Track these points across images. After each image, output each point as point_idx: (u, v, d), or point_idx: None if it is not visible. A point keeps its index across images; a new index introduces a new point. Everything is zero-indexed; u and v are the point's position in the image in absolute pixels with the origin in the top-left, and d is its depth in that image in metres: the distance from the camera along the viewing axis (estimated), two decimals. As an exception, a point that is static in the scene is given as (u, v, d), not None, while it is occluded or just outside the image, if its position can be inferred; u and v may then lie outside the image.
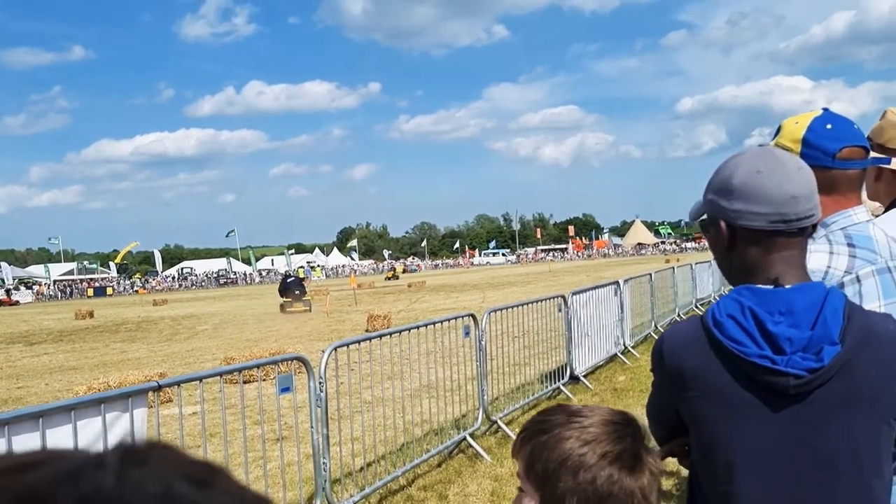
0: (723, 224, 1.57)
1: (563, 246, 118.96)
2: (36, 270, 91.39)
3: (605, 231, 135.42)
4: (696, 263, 18.12)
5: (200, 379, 4.74)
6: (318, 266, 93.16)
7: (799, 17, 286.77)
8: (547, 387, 9.14)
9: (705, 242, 1.74)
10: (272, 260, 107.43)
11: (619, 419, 1.27)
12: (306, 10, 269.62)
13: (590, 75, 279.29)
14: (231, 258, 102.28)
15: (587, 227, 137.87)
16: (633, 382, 9.63)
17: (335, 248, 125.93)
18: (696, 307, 17.25)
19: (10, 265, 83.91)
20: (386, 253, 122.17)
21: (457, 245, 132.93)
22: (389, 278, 62.55)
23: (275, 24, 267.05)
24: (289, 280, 31.99)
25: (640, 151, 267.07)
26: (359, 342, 6.25)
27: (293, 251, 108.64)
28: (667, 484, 5.38)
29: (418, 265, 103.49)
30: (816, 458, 1.46)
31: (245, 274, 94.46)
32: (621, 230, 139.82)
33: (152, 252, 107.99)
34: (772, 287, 1.49)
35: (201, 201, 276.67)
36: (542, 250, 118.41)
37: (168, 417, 7.80)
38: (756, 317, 1.45)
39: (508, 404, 8.22)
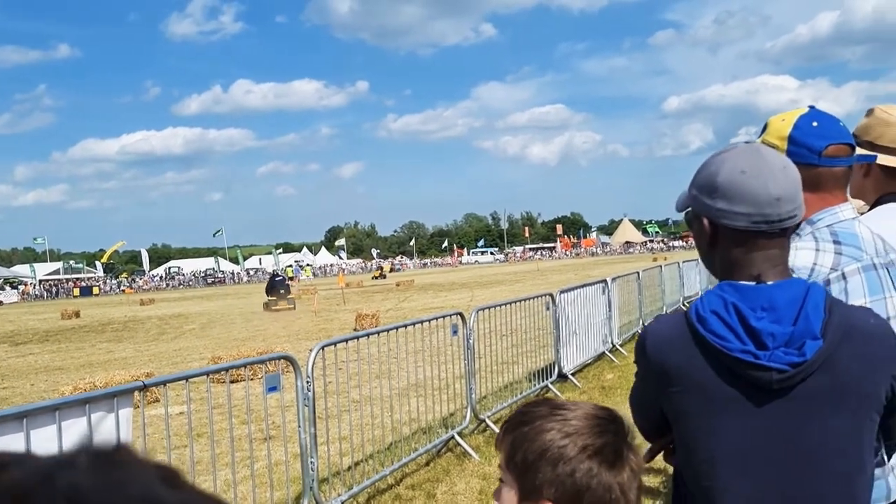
0: (705, 221, 1.58)
1: (552, 245, 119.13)
2: (21, 270, 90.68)
3: (592, 230, 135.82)
4: (684, 262, 18.21)
5: (187, 378, 4.71)
6: (308, 265, 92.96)
7: (785, 16, 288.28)
8: (535, 385, 9.15)
9: (693, 241, 1.74)
10: (260, 259, 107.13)
11: (602, 414, 1.27)
12: (293, 9, 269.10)
13: (577, 74, 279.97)
14: (219, 257, 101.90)
15: (575, 226, 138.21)
16: (622, 380, 9.65)
17: (323, 248, 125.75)
18: (684, 305, 17.30)
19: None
20: (374, 252, 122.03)
21: (445, 244, 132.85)
22: (376, 277, 62.53)
23: (262, 22, 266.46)
24: (276, 279, 32.57)
25: (628, 150, 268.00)
26: (346, 341, 6.24)
27: (281, 250, 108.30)
28: (654, 481, 5.40)
29: (402, 264, 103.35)
30: (799, 452, 1.47)
31: (233, 273, 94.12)
32: (609, 229, 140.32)
33: (139, 251, 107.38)
34: (754, 283, 1.50)
35: (189, 200, 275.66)
36: (531, 249, 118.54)
37: (155, 417, 7.76)
38: (739, 312, 1.45)
39: (496, 403, 8.22)
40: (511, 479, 1.27)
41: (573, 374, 9.96)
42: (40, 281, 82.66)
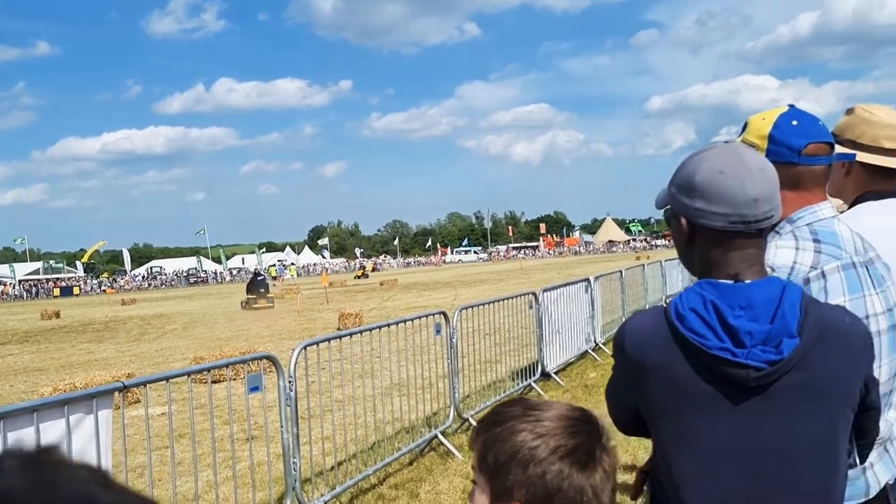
0: (683, 220, 1.59)
1: (535, 244, 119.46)
2: (0, 270, 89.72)
3: (576, 229, 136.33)
4: (666, 261, 18.26)
5: (167, 379, 4.67)
6: (292, 264, 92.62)
7: (766, 17, 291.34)
8: (518, 384, 9.16)
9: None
10: (243, 258, 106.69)
11: (576, 415, 1.25)
12: (276, 7, 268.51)
13: (561, 74, 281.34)
14: (201, 257, 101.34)
15: (558, 225, 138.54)
16: (604, 379, 9.63)
17: (306, 247, 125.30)
18: (665, 303, 17.36)
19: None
20: (357, 251, 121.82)
21: (429, 243, 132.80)
22: (359, 277, 62.45)
23: (244, 20, 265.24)
24: (258, 279, 33.23)
25: (611, 149, 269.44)
26: (328, 340, 6.22)
27: (264, 250, 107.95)
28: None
29: (380, 263, 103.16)
30: (776, 448, 1.48)
31: (215, 273, 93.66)
32: (592, 228, 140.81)
33: (120, 251, 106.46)
34: (732, 282, 1.51)
35: (171, 200, 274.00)
36: (514, 248, 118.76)
37: (136, 419, 7.72)
38: (718, 310, 1.46)
39: (480, 402, 8.22)
40: (483, 481, 1.26)
41: (556, 373, 9.98)
42: (20, 281, 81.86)
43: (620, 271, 14.28)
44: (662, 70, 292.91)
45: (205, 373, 5.21)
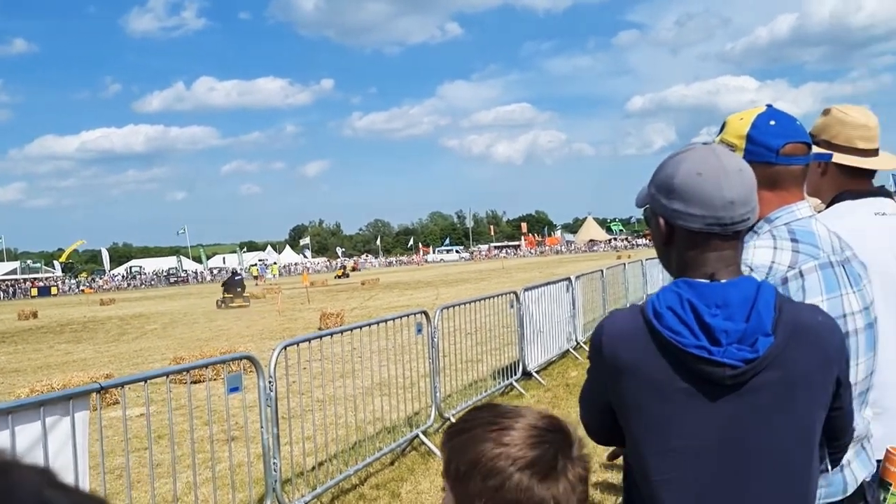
0: (662, 221, 1.60)
1: (516, 243, 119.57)
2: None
3: (557, 228, 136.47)
4: (647, 260, 18.35)
5: (146, 380, 4.62)
6: (274, 264, 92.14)
7: (744, 19, 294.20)
8: (499, 383, 9.17)
9: None
10: (224, 258, 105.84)
11: (543, 424, 1.23)
12: (257, 6, 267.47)
13: (542, 73, 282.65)
14: (182, 256, 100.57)
15: (540, 224, 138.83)
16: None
17: (287, 246, 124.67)
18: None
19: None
20: (339, 251, 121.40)
21: (410, 242, 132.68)
22: (339, 276, 62.34)
23: (225, 19, 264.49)
24: (235, 278, 33.83)
25: (593, 149, 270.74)
26: (309, 340, 6.19)
27: (245, 249, 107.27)
28: (617, 477, 5.43)
29: (358, 262, 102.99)
30: (750, 445, 1.49)
31: (196, 272, 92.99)
32: (573, 227, 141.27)
33: (99, 251, 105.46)
34: (708, 281, 1.52)
35: (151, 199, 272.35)
36: (496, 247, 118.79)
37: (115, 420, 7.64)
38: (694, 309, 1.47)
39: (461, 401, 8.22)
40: (449, 488, 1.25)
41: (538, 372, 10.00)
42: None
43: (601, 270, 14.34)
44: (643, 70, 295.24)
45: (184, 373, 5.16)
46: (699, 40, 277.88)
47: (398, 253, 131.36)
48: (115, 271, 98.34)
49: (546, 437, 1.21)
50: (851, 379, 1.83)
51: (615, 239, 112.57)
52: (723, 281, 1.51)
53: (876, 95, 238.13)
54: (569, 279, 11.93)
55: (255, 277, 71.52)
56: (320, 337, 6.39)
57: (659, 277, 19.06)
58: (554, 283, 11.37)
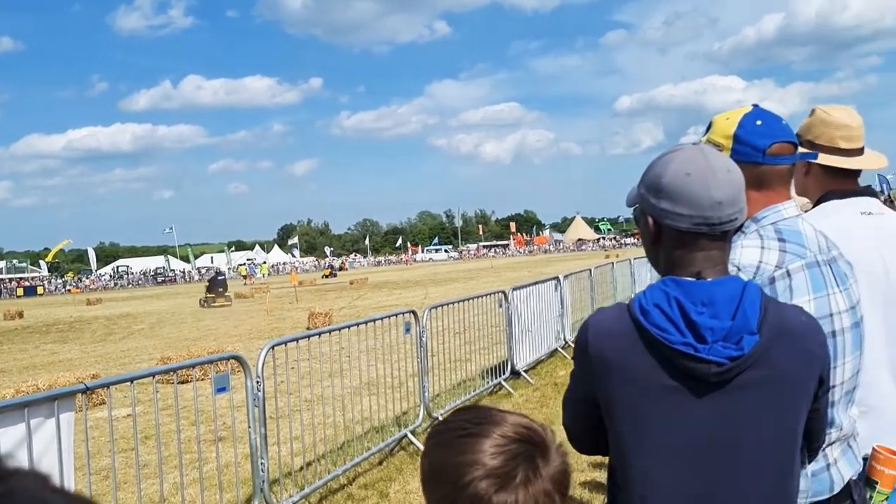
0: (650, 220, 1.61)
1: (505, 242, 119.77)
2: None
3: (545, 227, 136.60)
4: (635, 259, 18.39)
5: (132, 380, 4.59)
6: (263, 263, 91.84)
7: (732, 18, 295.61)
8: (488, 382, 9.17)
9: None
10: (212, 257, 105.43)
11: (514, 434, 1.20)
12: (245, 4, 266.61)
13: (531, 73, 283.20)
14: (169, 256, 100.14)
15: (528, 224, 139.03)
16: (573, 376, 9.70)
17: (276, 246, 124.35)
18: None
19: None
20: (327, 250, 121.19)
21: (399, 242, 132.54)
22: (327, 276, 62.35)
23: (213, 17, 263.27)
24: (218, 278, 34.66)
25: (581, 148, 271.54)
26: (297, 340, 6.17)
27: (233, 248, 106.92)
28: (603, 476, 5.44)
29: (352, 262, 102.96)
30: (735, 443, 1.49)
31: (184, 272, 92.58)
32: (562, 226, 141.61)
33: (86, 250, 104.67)
34: (695, 279, 1.53)
35: (138, 198, 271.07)
36: (484, 246, 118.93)
37: (101, 420, 7.59)
38: (681, 306, 1.48)
39: (450, 400, 8.22)
40: (422, 490, 1.26)
41: (526, 371, 10.01)
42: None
43: (590, 270, 14.37)
44: (631, 70, 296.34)
45: (171, 373, 5.13)
46: (687, 40, 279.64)
47: (387, 252, 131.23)
48: (102, 271, 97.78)
49: (512, 447, 1.18)
50: (838, 378, 1.84)
51: (603, 238, 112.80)
52: (709, 280, 1.52)
53: (861, 96, 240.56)
54: (557, 278, 11.95)
55: (244, 277, 71.27)
56: (308, 336, 6.37)
57: (647, 276, 19.11)
58: (542, 282, 11.39)
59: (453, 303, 8.95)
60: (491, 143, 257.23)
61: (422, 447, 6.87)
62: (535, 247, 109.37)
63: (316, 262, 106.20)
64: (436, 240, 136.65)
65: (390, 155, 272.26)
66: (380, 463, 6.64)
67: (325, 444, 6.42)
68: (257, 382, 5.21)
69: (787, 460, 1.53)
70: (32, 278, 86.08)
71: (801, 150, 2.21)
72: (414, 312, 7.62)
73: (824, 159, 2.47)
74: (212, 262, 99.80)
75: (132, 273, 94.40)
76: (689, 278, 1.53)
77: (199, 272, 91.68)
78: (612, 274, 16.43)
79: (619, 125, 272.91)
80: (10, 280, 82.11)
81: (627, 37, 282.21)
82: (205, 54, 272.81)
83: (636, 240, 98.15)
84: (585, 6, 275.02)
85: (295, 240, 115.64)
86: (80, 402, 4.11)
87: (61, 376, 10.64)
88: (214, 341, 17.16)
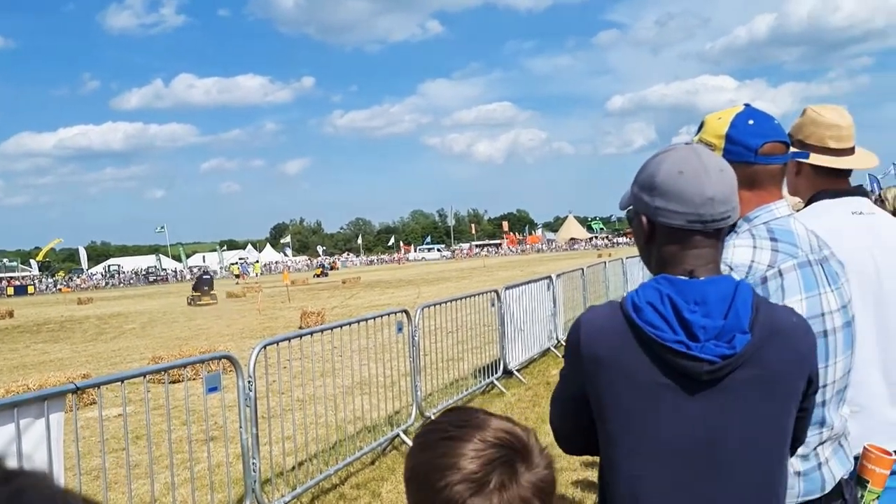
0: (644, 219, 1.62)
1: (498, 241, 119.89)
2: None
3: (538, 226, 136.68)
4: (628, 258, 18.42)
5: (123, 380, 4.57)
6: (256, 262, 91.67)
7: (723, 18, 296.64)
8: (480, 381, 9.17)
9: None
10: (203, 256, 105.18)
11: (495, 438, 1.19)
12: (237, 3, 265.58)
13: (524, 72, 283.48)
14: (161, 255, 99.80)
15: (521, 223, 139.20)
16: (566, 376, 9.71)
17: (268, 245, 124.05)
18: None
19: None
20: (320, 249, 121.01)
21: (392, 241, 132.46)
22: (318, 275, 62.37)
23: (204, 16, 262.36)
24: (203, 277, 36.03)
25: (573, 148, 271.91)
26: (289, 339, 6.15)
27: (225, 247, 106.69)
28: (595, 475, 5.45)
29: (345, 261, 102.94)
30: (725, 442, 1.50)
31: (175, 271, 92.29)
32: (554, 226, 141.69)
33: (77, 249, 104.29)
34: (688, 278, 1.53)
35: (129, 197, 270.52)
36: (477, 246, 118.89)
37: (92, 420, 7.55)
38: (674, 304, 1.49)
39: (442, 400, 8.21)
40: (405, 491, 1.26)
41: (518, 370, 10.01)
42: (-28, 280, 79.76)
43: (582, 269, 14.38)
44: (623, 70, 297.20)
45: (162, 373, 5.11)
46: (679, 40, 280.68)
47: (379, 251, 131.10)
48: (93, 270, 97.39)
49: (490, 451, 1.17)
50: (829, 377, 1.84)
51: (596, 237, 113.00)
52: (702, 278, 1.52)
53: (853, 96, 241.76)
54: (549, 278, 11.95)
55: (237, 276, 71.13)
56: (300, 336, 6.35)
57: (639, 276, 19.15)
58: (535, 281, 11.39)
59: (446, 302, 8.95)
60: (484, 143, 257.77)
61: (414, 447, 6.91)
62: (528, 246, 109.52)
63: (308, 262, 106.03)
64: (428, 239, 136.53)
65: (383, 154, 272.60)
66: (372, 462, 6.63)
67: (317, 444, 6.40)
68: (249, 382, 5.19)
69: (776, 459, 1.54)
70: (23, 277, 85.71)
71: (792, 149, 2.22)
72: (406, 312, 7.62)
73: (815, 159, 2.48)
74: (203, 261, 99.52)
75: (123, 272, 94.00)
76: (682, 277, 1.53)
77: (191, 271, 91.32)
78: (605, 273, 16.45)
79: (611, 125, 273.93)
80: (1, 279, 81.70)
81: (620, 37, 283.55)
82: (197, 53, 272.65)
83: (629, 239, 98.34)
84: (578, 6, 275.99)
85: (287, 239, 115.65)
86: (70, 401, 4.09)
87: (52, 376, 10.59)
88: (206, 341, 17.11)
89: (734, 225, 1.63)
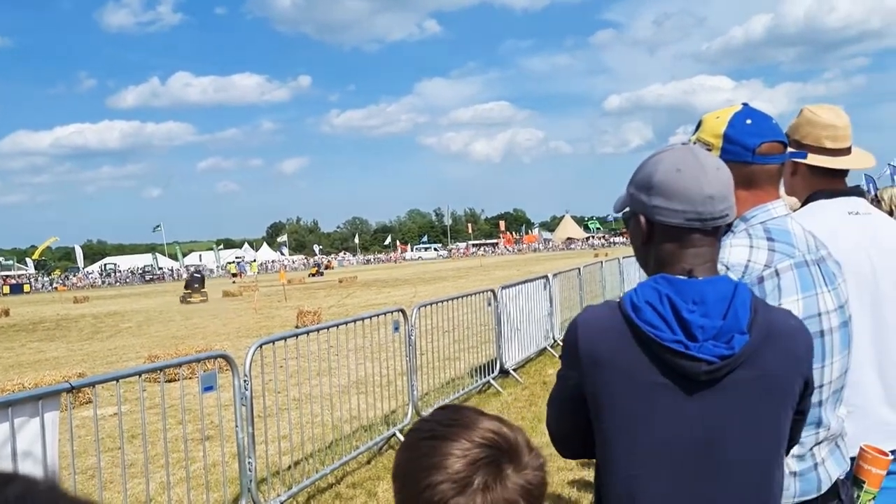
0: (642, 218, 1.61)
1: (494, 241, 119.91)
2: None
3: (535, 226, 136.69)
4: (624, 258, 18.42)
5: (118, 379, 4.55)
6: (254, 261, 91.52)
7: (720, 18, 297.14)
8: (477, 381, 9.17)
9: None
10: (200, 255, 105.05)
11: (480, 438, 1.17)
12: (234, 1, 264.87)
13: (521, 72, 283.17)
14: (157, 254, 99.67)
15: (518, 222, 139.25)
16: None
17: (265, 243, 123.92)
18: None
19: (-82, 262, 79.97)
20: (316, 248, 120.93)
21: (388, 240, 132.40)
22: (313, 274, 62.41)
23: (201, 14, 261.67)
24: (195, 276, 37.53)
25: (570, 147, 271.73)
26: (285, 339, 6.14)
27: (222, 246, 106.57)
28: (591, 475, 5.45)
29: (341, 260, 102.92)
30: (722, 442, 1.49)
31: (172, 270, 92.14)
32: (551, 225, 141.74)
33: (73, 248, 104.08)
34: (686, 278, 1.53)
35: (126, 195, 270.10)
36: (474, 245, 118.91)
37: (88, 419, 7.53)
38: (672, 304, 1.48)
39: (438, 399, 8.21)
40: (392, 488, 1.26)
41: (515, 370, 10.01)
42: (-33, 278, 79.58)
43: (579, 268, 14.39)
44: (620, 69, 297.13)
45: (158, 372, 5.10)
46: (676, 40, 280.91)
47: (376, 251, 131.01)
48: (90, 269, 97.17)
49: (475, 451, 1.15)
50: (826, 377, 1.84)
51: (592, 237, 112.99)
52: (700, 278, 1.52)
53: (849, 97, 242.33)
54: (546, 277, 11.96)
55: (234, 275, 71.03)
56: (297, 335, 6.34)
57: (636, 276, 19.16)
58: (531, 281, 11.40)
59: (442, 301, 8.94)
60: (481, 142, 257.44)
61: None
62: (525, 245, 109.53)
63: (305, 261, 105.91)
64: (425, 238, 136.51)
65: (380, 153, 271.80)
66: (368, 462, 6.63)
67: (314, 443, 6.39)
68: (245, 381, 5.19)
69: (772, 460, 1.54)
70: (19, 276, 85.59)
71: (789, 150, 2.22)
72: (403, 311, 7.61)
73: (811, 159, 2.48)
74: (200, 260, 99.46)
75: (120, 271, 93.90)
76: (681, 276, 1.53)
77: (188, 270, 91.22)
78: (601, 273, 16.46)
79: (608, 124, 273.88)
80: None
81: (616, 36, 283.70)
82: (193, 51, 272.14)
83: (625, 239, 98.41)
84: (575, 5, 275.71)
85: (284, 238, 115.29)
86: (65, 400, 4.08)
87: (47, 375, 10.58)
88: (202, 340, 17.08)
89: (731, 224, 1.63)
